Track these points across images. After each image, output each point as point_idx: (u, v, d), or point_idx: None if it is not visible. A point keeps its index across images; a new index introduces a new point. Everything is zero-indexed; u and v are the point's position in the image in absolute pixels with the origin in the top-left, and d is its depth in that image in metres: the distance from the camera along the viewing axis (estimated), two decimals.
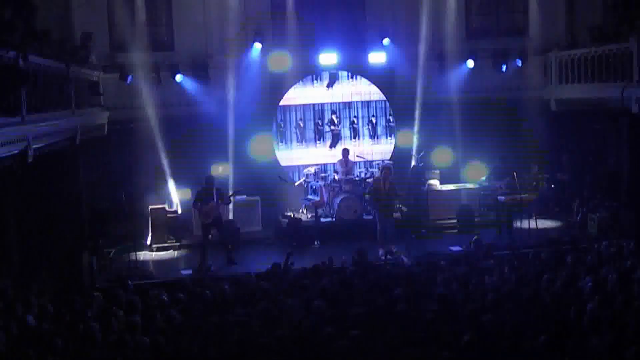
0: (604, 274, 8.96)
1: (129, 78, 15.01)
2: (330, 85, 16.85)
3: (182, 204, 15.01)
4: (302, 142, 16.85)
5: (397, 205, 15.35)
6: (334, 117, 16.87)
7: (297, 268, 10.96)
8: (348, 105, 16.99)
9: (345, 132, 16.97)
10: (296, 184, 16.22)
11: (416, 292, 8.79)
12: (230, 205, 15.00)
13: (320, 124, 16.88)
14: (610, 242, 11.04)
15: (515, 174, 14.06)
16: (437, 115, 16.06)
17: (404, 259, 12.32)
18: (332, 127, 16.82)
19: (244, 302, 8.72)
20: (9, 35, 9.44)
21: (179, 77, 15.57)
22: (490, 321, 7.23)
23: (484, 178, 15.28)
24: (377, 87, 16.88)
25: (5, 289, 9.21)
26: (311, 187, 15.87)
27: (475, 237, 12.88)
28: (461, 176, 16.39)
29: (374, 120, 17.08)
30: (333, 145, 16.84)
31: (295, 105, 16.77)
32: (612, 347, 6.39)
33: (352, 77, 16.95)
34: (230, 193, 13.91)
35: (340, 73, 16.85)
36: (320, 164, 16.65)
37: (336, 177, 15.53)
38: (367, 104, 17.05)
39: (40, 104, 10.31)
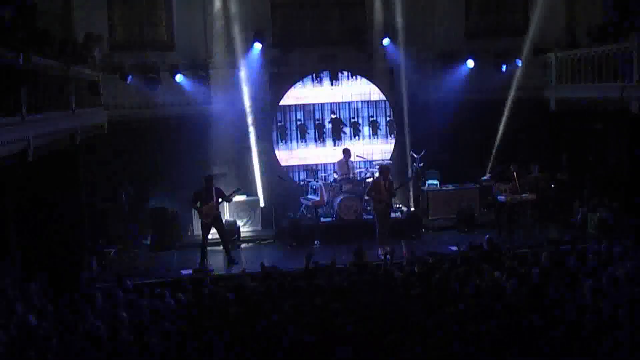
0: (604, 275, 8.96)
1: (129, 78, 15.03)
2: (333, 82, 16.82)
3: (182, 203, 15.01)
4: (302, 142, 16.85)
5: (397, 206, 15.40)
6: (333, 117, 16.89)
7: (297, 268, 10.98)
8: (348, 105, 17.00)
9: (345, 131, 16.97)
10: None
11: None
12: (230, 205, 15.00)
13: (319, 125, 16.86)
14: (610, 242, 11.03)
15: (515, 174, 14.09)
16: (437, 115, 16.05)
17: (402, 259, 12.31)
18: (333, 127, 16.84)
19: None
20: (9, 36, 9.44)
21: (179, 77, 15.58)
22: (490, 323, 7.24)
23: (485, 177, 15.28)
24: (377, 87, 16.89)
25: (5, 288, 9.22)
26: (311, 187, 15.88)
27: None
28: (461, 176, 16.39)
29: (373, 120, 17.09)
30: (336, 142, 16.85)
31: (296, 105, 16.78)
32: (612, 348, 6.40)
33: (352, 77, 16.96)
34: (230, 192, 13.91)
35: (339, 73, 16.86)
36: (321, 164, 16.66)
37: (336, 177, 15.53)
38: (367, 104, 17.06)
39: (40, 104, 10.30)
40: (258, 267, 11.07)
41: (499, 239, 13.75)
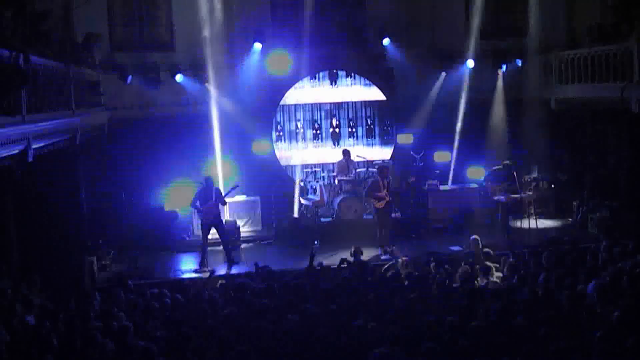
0: (604, 274, 8.96)
1: (129, 78, 15.03)
2: (333, 82, 16.81)
3: (182, 203, 15.00)
4: (302, 142, 16.84)
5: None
6: (334, 120, 16.86)
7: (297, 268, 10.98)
8: (347, 105, 16.99)
9: (345, 132, 16.98)
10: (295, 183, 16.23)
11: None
12: (230, 205, 15.00)
13: (318, 125, 16.85)
14: (610, 242, 11.03)
15: (515, 173, 14.10)
16: (437, 115, 16.06)
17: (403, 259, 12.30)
18: (332, 129, 16.83)
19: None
20: (9, 36, 9.44)
21: (179, 77, 15.58)
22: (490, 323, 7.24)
23: (482, 177, 15.32)
24: (377, 87, 16.88)
25: (5, 289, 9.22)
26: (311, 187, 15.86)
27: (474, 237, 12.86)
28: (461, 176, 16.39)
29: (373, 120, 17.08)
30: (335, 143, 16.84)
31: (295, 105, 16.77)
32: (613, 347, 6.40)
33: (351, 77, 16.96)
34: (228, 189, 13.84)
35: (339, 73, 16.87)
36: (320, 164, 16.66)
37: (336, 178, 15.53)
38: (366, 104, 17.04)
39: (40, 104, 10.30)
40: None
41: (501, 238, 13.83)
